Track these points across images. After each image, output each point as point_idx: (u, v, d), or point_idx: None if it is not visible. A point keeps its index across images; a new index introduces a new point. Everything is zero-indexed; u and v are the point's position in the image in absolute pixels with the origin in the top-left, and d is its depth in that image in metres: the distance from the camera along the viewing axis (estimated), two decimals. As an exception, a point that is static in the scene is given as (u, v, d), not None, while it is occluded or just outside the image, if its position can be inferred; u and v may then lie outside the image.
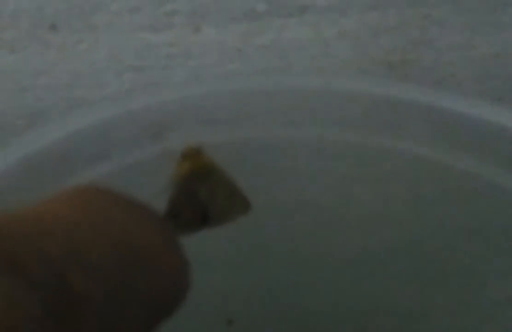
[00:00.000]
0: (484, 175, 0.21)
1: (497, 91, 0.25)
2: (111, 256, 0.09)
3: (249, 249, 0.23)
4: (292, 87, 0.21)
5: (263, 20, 0.25)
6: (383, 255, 0.24)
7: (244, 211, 0.15)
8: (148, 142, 0.19)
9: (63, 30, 0.24)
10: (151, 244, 0.10)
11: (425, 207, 0.23)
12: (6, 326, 0.07)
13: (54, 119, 0.22)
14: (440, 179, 0.22)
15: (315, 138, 0.22)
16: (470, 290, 0.23)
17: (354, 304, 0.24)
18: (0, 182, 0.17)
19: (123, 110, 0.19)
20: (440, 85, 0.25)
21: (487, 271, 0.22)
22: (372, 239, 0.24)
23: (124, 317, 0.09)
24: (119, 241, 0.10)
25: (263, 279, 0.23)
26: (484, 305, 0.23)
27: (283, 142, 0.23)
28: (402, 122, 0.22)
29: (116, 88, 0.25)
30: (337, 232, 0.24)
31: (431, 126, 0.21)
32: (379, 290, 0.24)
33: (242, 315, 0.23)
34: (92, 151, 0.19)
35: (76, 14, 0.24)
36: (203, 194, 0.14)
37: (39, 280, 0.08)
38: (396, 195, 0.23)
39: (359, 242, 0.24)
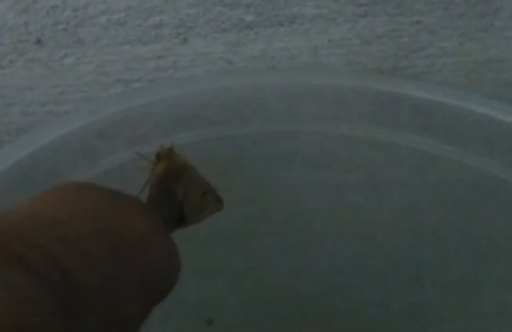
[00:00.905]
0: (484, 176, 0.21)
1: (491, 96, 0.25)
2: (104, 245, 0.10)
3: (238, 253, 0.24)
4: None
5: (252, 30, 0.25)
6: (379, 261, 0.24)
7: (217, 208, 0.16)
8: (125, 148, 0.20)
9: (49, 45, 0.24)
10: (140, 230, 0.11)
11: (421, 213, 0.23)
12: (24, 322, 0.08)
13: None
14: (435, 184, 0.23)
15: (308, 144, 0.23)
16: (466, 296, 0.24)
17: (346, 309, 0.25)
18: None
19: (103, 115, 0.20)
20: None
21: (483, 277, 0.23)
22: (367, 245, 0.24)
23: (121, 301, 0.10)
24: (110, 231, 0.10)
25: (247, 280, 0.24)
26: (481, 311, 0.23)
27: (276, 151, 0.23)
28: (396, 127, 0.22)
29: (105, 102, 0.25)
30: (332, 237, 0.24)
31: (425, 131, 0.22)
32: (374, 296, 0.25)
33: (222, 315, 0.24)
34: (74, 158, 0.19)
35: (62, 29, 0.24)
36: (179, 192, 0.15)
37: (43, 273, 0.08)
38: (390, 201, 0.23)
39: (354, 248, 0.24)
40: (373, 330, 0.25)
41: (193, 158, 0.15)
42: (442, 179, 0.22)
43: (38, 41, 0.24)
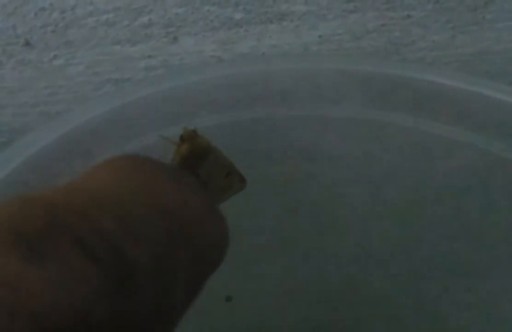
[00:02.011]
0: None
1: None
2: (159, 225, 0.10)
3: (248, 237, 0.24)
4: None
5: (242, 28, 0.26)
6: (379, 255, 0.25)
7: (241, 187, 0.16)
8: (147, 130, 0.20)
9: (38, 46, 0.25)
10: (195, 209, 0.11)
11: (420, 205, 0.24)
12: (76, 300, 0.08)
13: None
14: (434, 178, 0.23)
15: (309, 139, 0.23)
16: (469, 289, 0.24)
17: (346, 301, 0.26)
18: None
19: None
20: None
21: (484, 270, 0.24)
22: (367, 238, 0.25)
23: (173, 281, 0.10)
24: (165, 209, 0.10)
25: (262, 260, 0.25)
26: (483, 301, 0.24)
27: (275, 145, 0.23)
28: (397, 117, 0.22)
29: (96, 102, 0.25)
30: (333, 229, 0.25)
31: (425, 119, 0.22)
32: (375, 290, 0.25)
33: (241, 292, 0.25)
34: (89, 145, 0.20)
35: (51, 31, 0.25)
36: (203, 173, 0.15)
37: (99, 254, 0.08)
38: (391, 195, 0.24)
39: (355, 240, 0.25)
40: (374, 323, 0.26)
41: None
42: (441, 169, 0.23)
43: (27, 43, 0.25)
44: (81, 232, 0.08)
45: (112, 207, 0.09)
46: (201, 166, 0.15)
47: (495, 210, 0.23)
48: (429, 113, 0.22)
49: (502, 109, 0.21)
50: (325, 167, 0.24)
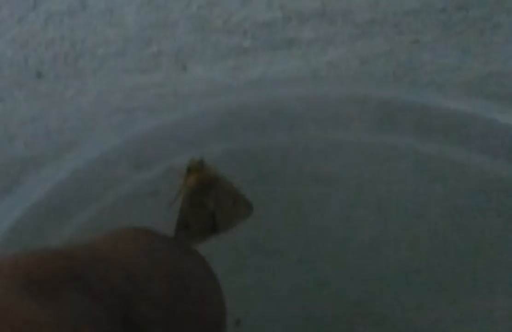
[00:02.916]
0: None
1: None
2: (161, 286, 0.11)
3: (256, 254, 0.25)
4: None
5: (250, 55, 0.26)
6: (389, 277, 0.25)
7: (248, 213, 0.17)
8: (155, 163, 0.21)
9: (49, 77, 0.26)
10: (200, 279, 0.12)
11: (428, 226, 0.24)
12: None
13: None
14: (443, 201, 0.23)
15: (318, 162, 0.24)
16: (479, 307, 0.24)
17: (361, 321, 0.26)
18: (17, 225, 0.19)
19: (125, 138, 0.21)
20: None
21: (494, 289, 0.24)
22: (377, 260, 0.25)
23: None
24: (165, 273, 0.11)
25: (270, 280, 0.25)
26: (492, 317, 0.24)
27: (282, 168, 0.24)
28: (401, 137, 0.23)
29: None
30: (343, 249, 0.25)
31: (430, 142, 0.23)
32: (386, 313, 0.26)
33: (250, 315, 0.25)
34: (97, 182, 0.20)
35: (62, 61, 0.25)
36: (210, 203, 0.16)
37: (106, 301, 0.09)
38: (400, 218, 0.24)
39: (365, 263, 0.25)
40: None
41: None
42: (454, 190, 0.24)
43: (38, 74, 0.26)
44: (92, 282, 0.09)
45: (120, 266, 0.10)
46: (209, 194, 0.15)
47: (505, 230, 0.23)
48: (437, 137, 0.23)
49: (509, 132, 0.21)
50: (334, 190, 0.25)
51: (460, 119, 0.22)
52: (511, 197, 0.23)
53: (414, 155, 0.23)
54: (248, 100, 0.23)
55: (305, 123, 0.23)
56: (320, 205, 0.25)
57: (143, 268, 0.11)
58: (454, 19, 0.27)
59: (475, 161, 0.22)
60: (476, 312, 0.25)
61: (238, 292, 0.25)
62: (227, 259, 0.23)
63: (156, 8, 0.25)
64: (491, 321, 0.25)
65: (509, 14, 0.27)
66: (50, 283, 0.09)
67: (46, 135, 0.28)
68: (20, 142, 0.28)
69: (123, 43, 0.26)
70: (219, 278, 0.14)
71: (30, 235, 0.19)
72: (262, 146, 0.24)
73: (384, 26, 0.27)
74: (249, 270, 0.26)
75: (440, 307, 0.26)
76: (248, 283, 0.25)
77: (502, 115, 0.22)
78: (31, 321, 0.08)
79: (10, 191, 0.20)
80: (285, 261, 0.26)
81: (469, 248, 0.25)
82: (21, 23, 0.25)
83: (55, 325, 0.08)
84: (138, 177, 0.22)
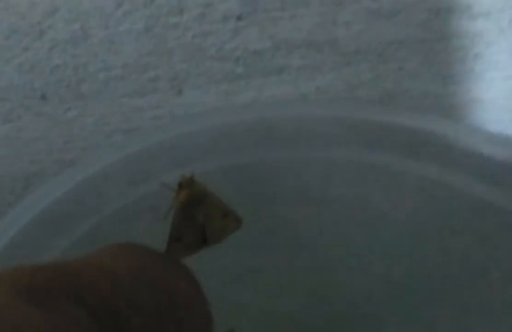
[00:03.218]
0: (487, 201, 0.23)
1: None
2: (148, 297, 0.12)
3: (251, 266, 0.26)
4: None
5: (243, 80, 0.28)
6: (382, 296, 0.27)
7: (237, 227, 0.18)
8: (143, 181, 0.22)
9: (53, 100, 0.27)
10: (180, 289, 0.13)
11: (422, 245, 0.25)
12: None
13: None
14: (429, 221, 0.25)
15: (311, 181, 0.25)
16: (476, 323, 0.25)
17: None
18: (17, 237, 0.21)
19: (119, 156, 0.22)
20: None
21: (491, 302, 0.25)
22: (371, 279, 0.27)
23: None
24: (154, 286, 0.12)
25: (264, 297, 0.27)
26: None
27: (278, 188, 0.25)
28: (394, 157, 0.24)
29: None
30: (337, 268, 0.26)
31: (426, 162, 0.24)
32: (377, 329, 0.27)
33: (243, 328, 0.26)
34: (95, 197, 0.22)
35: (65, 85, 0.27)
36: (200, 216, 0.17)
37: (95, 308, 0.10)
38: (392, 237, 0.25)
39: (358, 281, 0.27)
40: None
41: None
42: (443, 210, 0.24)
43: (43, 97, 0.27)
44: (84, 294, 0.10)
45: (105, 274, 0.11)
46: (199, 209, 0.17)
47: (494, 251, 0.24)
48: (427, 157, 0.23)
49: (497, 157, 0.22)
50: (326, 209, 0.26)
51: (448, 142, 0.23)
52: (500, 220, 0.23)
53: (405, 176, 0.24)
54: (241, 120, 0.24)
55: (296, 143, 0.25)
56: (311, 223, 0.27)
57: (129, 279, 0.12)
58: (436, 48, 0.28)
59: (465, 183, 0.23)
60: (468, 328, 0.26)
61: (232, 306, 0.26)
62: (223, 274, 0.25)
63: (153, 37, 0.27)
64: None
65: (488, 46, 0.28)
66: (46, 293, 0.10)
67: (49, 153, 0.30)
68: (26, 159, 0.30)
69: (123, 69, 0.28)
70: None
71: (30, 247, 0.21)
72: (255, 165, 0.25)
73: (369, 55, 0.28)
74: (243, 286, 0.27)
75: (433, 323, 0.27)
76: (243, 299, 0.26)
77: (487, 142, 0.23)
78: (26, 324, 0.09)
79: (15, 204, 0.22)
80: (277, 278, 0.27)
81: (459, 267, 0.25)
82: (28, 50, 0.27)
83: (47, 329, 0.09)
84: (133, 192, 0.23)
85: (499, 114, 0.31)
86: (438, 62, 0.29)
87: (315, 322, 0.28)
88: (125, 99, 0.29)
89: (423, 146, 0.23)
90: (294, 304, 0.28)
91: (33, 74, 0.28)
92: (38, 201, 0.22)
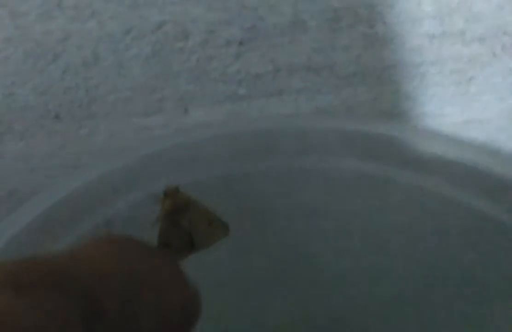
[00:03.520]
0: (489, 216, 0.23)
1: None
2: (127, 283, 0.13)
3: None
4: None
5: (245, 101, 0.29)
6: (383, 307, 0.27)
7: (224, 234, 0.19)
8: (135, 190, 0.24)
9: (66, 119, 0.29)
10: (162, 277, 0.14)
11: (423, 260, 0.26)
12: (55, 324, 0.10)
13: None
14: (427, 234, 0.26)
15: (312, 193, 0.26)
16: None
17: None
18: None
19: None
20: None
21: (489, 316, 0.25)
22: (371, 290, 0.27)
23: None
24: (133, 272, 0.13)
25: (262, 308, 0.28)
26: None
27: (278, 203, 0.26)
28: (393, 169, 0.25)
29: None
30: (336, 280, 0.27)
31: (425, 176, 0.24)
32: None
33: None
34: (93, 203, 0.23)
35: (77, 106, 0.29)
36: (185, 223, 0.18)
37: (76, 297, 0.11)
38: (394, 248, 0.26)
39: (359, 292, 0.28)
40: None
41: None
42: (442, 224, 0.25)
43: (57, 117, 0.29)
44: (69, 285, 0.11)
45: (89, 266, 0.12)
46: (184, 217, 0.18)
47: (495, 266, 0.25)
48: (429, 171, 0.24)
49: (501, 173, 0.23)
50: (323, 220, 0.27)
51: (447, 157, 0.24)
52: (499, 234, 0.24)
53: (406, 189, 0.25)
54: (241, 132, 0.25)
55: (294, 155, 0.25)
56: (309, 235, 0.28)
57: (108, 267, 0.12)
58: (431, 71, 0.29)
59: (464, 198, 0.24)
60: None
61: (229, 317, 0.27)
62: (223, 284, 0.26)
63: (160, 61, 0.29)
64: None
65: (483, 68, 0.29)
66: (31, 286, 0.11)
67: (63, 168, 0.31)
68: (40, 174, 0.31)
69: (131, 90, 0.30)
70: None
71: (29, 249, 0.22)
72: (254, 176, 0.26)
73: (366, 78, 0.29)
74: (242, 298, 0.28)
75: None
76: (240, 310, 0.28)
77: (486, 158, 0.23)
78: (9, 312, 0.10)
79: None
80: (275, 288, 0.28)
81: (459, 280, 0.26)
82: (42, 73, 0.29)
83: (30, 317, 0.10)
84: (121, 202, 0.24)
85: (495, 134, 0.32)
86: (433, 85, 0.30)
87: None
88: (134, 118, 0.31)
89: (423, 159, 0.24)
90: (294, 316, 0.29)
91: (47, 95, 0.30)
92: (36, 206, 0.23)
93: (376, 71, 0.30)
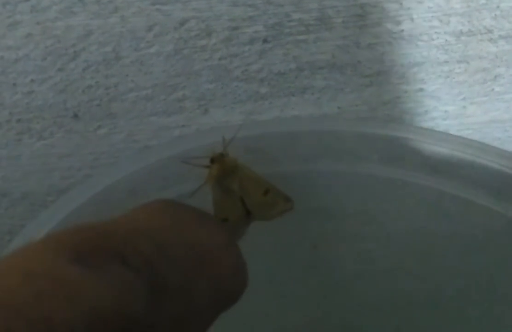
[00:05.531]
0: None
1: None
2: (185, 254, 0.13)
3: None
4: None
5: (267, 100, 0.29)
6: (399, 310, 0.28)
7: (286, 207, 0.19)
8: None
9: (85, 118, 0.29)
10: (216, 246, 0.14)
11: (439, 263, 0.26)
12: (120, 296, 0.10)
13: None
14: (446, 237, 0.25)
15: (330, 196, 0.26)
16: None
17: None
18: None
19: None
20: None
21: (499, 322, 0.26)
22: (387, 293, 0.27)
23: (192, 303, 0.12)
24: (191, 242, 0.13)
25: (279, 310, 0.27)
26: None
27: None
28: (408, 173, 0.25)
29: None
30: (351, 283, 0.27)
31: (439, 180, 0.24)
32: None
33: None
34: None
35: (96, 104, 0.28)
36: (236, 187, 0.18)
37: (138, 267, 0.11)
38: (410, 252, 0.26)
39: (375, 295, 0.27)
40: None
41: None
42: (456, 227, 0.25)
43: (75, 116, 0.29)
44: (128, 255, 0.11)
45: (149, 235, 0.12)
46: (233, 181, 0.18)
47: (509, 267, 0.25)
48: (446, 175, 0.24)
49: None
50: (343, 223, 0.27)
51: (464, 160, 0.24)
52: None
53: (422, 192, 0.25)
54: (263, 133, 0.25)
55: (315, 158, 0.25)
56: (328, 237, 0.28)
57: (166, 237, 0.12)
58: (457, 70, 0.29)
59: (482, 201, 0.24)
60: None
61: (246, 316, 0.27)
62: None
63: (182, 59, 0.28)
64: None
65: (509, 67, 0.29)
66: (90, 255, 0.10)
67: (79, 169, 0.31)
68: (57, 175, 0.31)
69: (152, 89, 0.29)
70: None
71: None
72: (275, 178, 0.26)
73: (391, 76, 0.29)
74: (259, 298, 0.28)
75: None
76: (258, 310, 0.27)
77: (503, 161, 0.24)
78: (68, 280, 0.10)
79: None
80: (294, 291, 0.28)
81: (474, 283, 0.26)
82: (62, 71, 0.29)
83: (94, 288, 0.10)
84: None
85: (519, 134, 0.32)
86: (458, 83, 0.30)
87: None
88: (154, 117, 0.31)
89: (439, 162, 0.24)
90: (310, 317, 0.29)
91: (66, 94, 0.30)
92: (57, 211, 0.23)
93: (401, 69, 0.30)
